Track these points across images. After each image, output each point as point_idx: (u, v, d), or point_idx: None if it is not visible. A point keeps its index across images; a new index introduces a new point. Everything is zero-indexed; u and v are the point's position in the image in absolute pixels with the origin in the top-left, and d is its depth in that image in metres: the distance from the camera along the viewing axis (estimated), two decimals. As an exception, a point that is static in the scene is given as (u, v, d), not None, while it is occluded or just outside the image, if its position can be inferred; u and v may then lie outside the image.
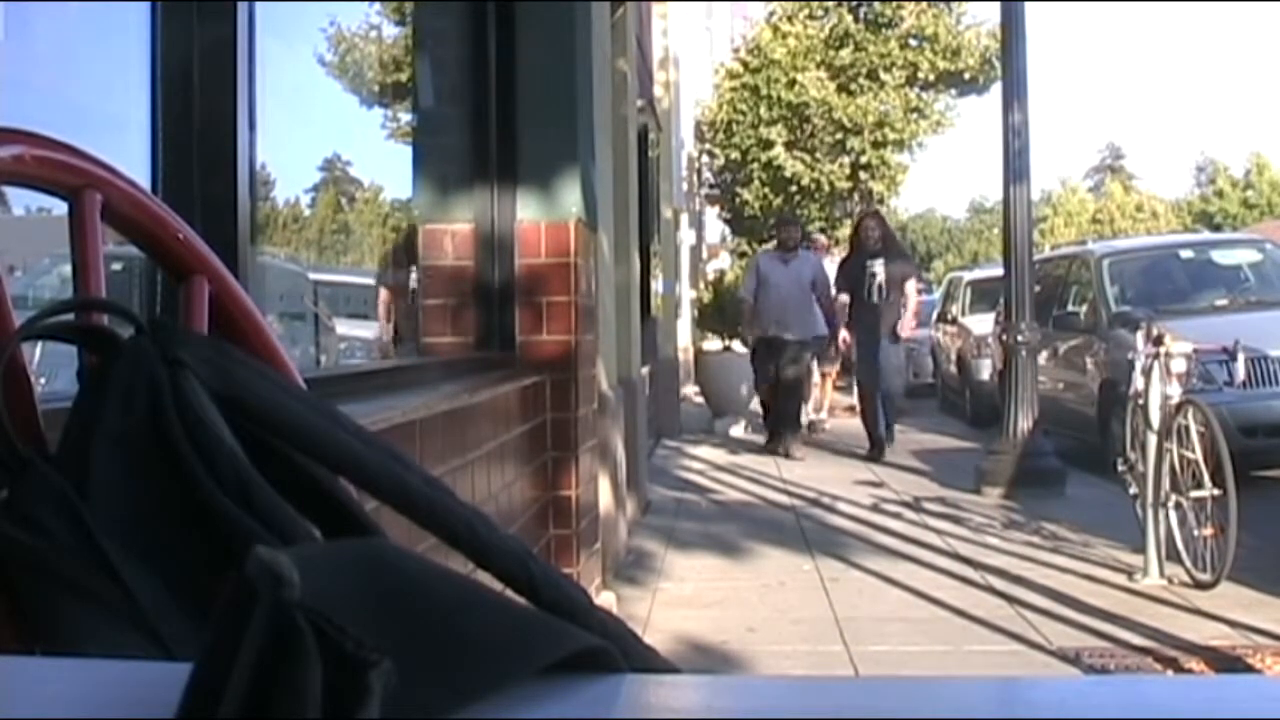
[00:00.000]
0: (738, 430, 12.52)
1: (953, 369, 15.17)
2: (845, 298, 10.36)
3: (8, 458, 0.69)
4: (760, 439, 11.18)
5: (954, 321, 15.43)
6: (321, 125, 4.88)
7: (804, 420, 11.40)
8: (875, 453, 10.14)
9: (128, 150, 2.21)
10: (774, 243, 11.48)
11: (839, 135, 22.52)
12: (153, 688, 0.43)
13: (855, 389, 10.81)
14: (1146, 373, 5.66)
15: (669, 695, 0.51)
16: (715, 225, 26.90)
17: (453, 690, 0.41)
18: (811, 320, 10.59)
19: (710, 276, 20.67)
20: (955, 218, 67.99)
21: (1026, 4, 8.54)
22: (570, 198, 4.48)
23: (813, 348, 10.80)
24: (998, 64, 10.95)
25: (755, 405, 11.74)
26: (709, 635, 4.65)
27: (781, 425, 10.61)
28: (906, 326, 10.47)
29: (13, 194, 2.23)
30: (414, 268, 5.05)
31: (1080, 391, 9.92)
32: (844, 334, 10.43)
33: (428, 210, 4.53)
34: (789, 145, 22.94)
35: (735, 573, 5.86)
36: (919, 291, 11.19)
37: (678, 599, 5.33)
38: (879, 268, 10.22)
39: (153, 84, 2.20)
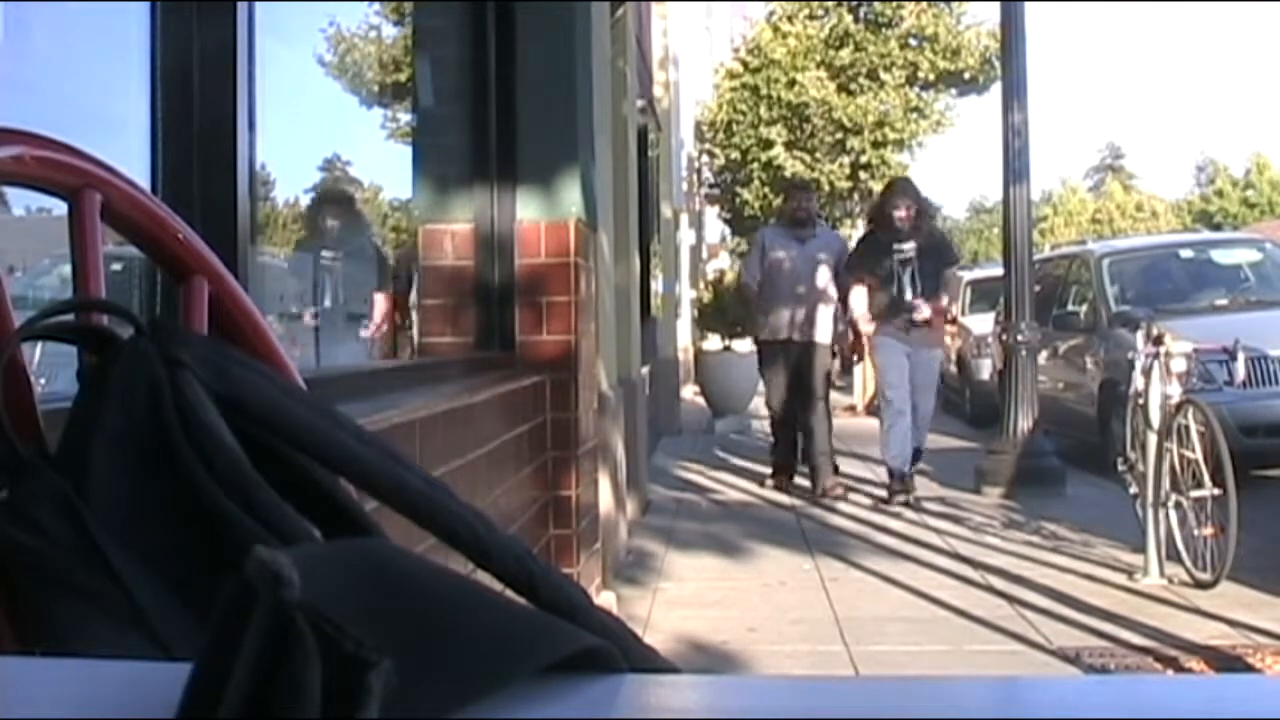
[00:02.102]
0: (736, 430, 12.53)
1: (953, 369, 15.18)
2: (860, 289, 7.99)
3: (8, 458, 0.69)
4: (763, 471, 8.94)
5: (954, 321, 15.44)
6: (321, 125, 4.88)
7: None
8: (899, 489, 7.86)
9: (128, 150, 2.21)
10: (782, 216, 8.84)
11: (839, 135, 22.52)
12: (153, 688, 0.43)
13: (881, 408, 8.25)
14: (1146, 372, 5.66)
15: (669, 695, 0.51)
16: (715, 225, 26.91)
17: (453, 690, 0.41)
18: (833, 318, 8.33)
19: (710, 276, 20.68)
20: (955, 217, 68.04)
21: (1026, 4, 8.55)
22: (570, 198, 4.48)
23: (833, 355, 8.56)
24: (998, 64, 10.92)
25: (757, 405, 11.25)
26: (709, 635, 4.65)
27: (811, 457, 8.27)
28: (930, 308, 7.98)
29: (13, 194, 2.22)
30: (329, 249, 4.94)
31: (1080, 391, 9.92)
32: (866, 329, 8.01)
33: (428, 210, 4.53)
34: (789, 145, 22.94)
35: (735, 573, 5.86)
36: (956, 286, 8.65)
37: (678, 599, 5.32)
38: (911, 252, 7.91)
39: (153, 84, 2.20)
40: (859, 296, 8.01)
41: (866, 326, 8.02)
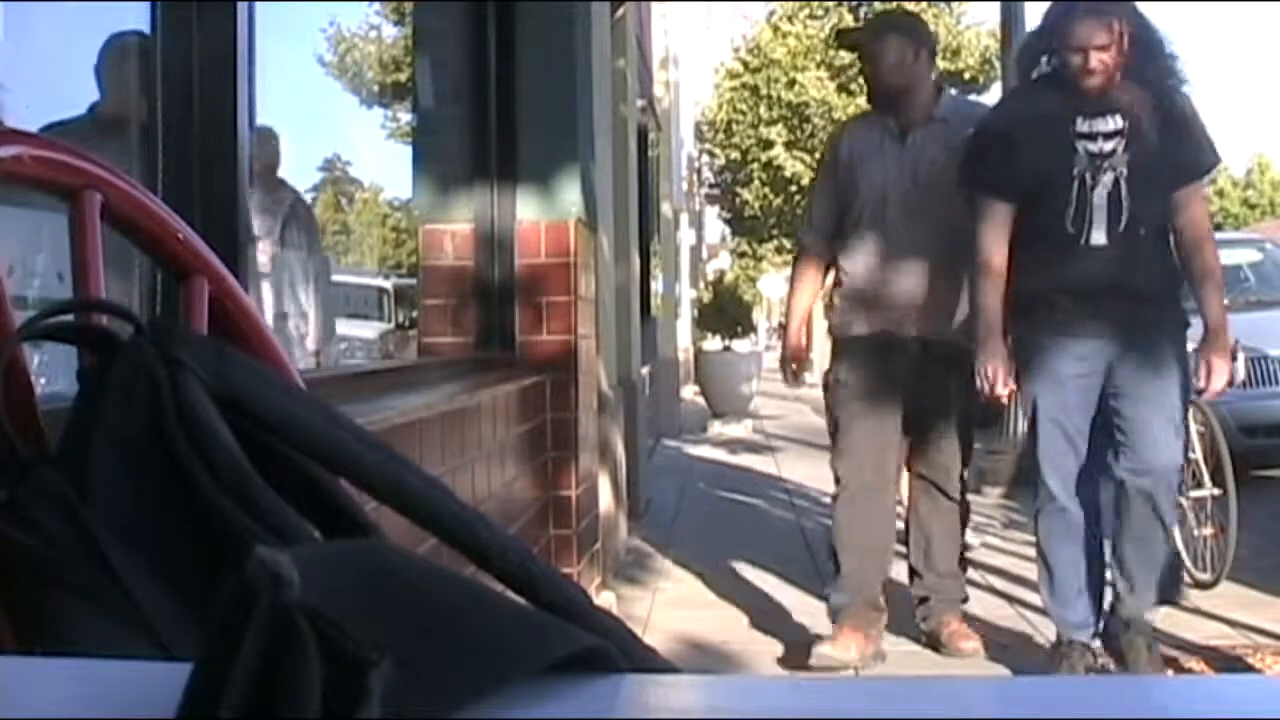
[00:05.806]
0: (736, 430, 12.53)
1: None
2: (1002, 215, 3.64)
3: (8, 458, 0.69)
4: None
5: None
6: (321, 125, 4.89)
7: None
8: (1075, 659, 3.86)
9: (128, 150, 2.21)
10: (871, 91, 4.60)
11: (839, 135, 22.51)
12: (153, 688, 0.43)
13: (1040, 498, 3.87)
14: (1146, 373, 5.65)
15: (669, 695, 0.51)
16: (715, 225, 26.95)
17: (453, 690, 0.41)
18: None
19: (710, 276, 20.69)
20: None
21: (1026, 4, 8.55)
22: (570, 198, 4.49)
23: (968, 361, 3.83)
24: (998, 64, 10.92)
25: (757, 406, 11.21)
26: (709, 635, 4.65)
27: (922, 569, 4.29)
28: (1221, 359, 3.93)
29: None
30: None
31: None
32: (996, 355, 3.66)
33: (428, 210, 4.54)
34: (789, 145, 22.94)
35: (735, 573, 5.85)
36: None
37: (678, 599, 5.32)
38: (1117, 144, 3.53)
39: (153, 84, 2.20)
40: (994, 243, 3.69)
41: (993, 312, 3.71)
